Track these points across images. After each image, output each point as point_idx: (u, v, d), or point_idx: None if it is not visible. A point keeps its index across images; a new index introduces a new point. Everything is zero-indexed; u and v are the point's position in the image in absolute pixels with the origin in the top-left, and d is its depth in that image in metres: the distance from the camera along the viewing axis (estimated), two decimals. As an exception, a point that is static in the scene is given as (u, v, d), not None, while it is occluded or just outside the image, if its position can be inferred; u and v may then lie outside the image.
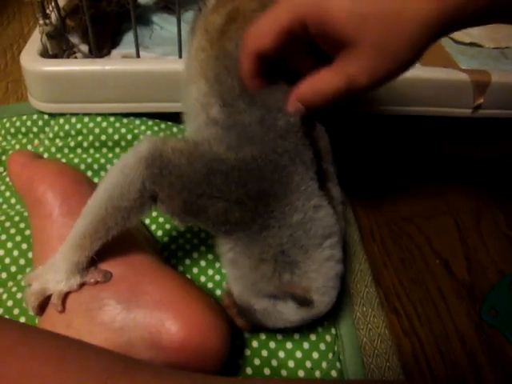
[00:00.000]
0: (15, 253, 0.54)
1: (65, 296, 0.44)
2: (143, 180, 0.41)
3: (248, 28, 0.41)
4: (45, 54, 0.66)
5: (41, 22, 0.63)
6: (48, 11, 0.64)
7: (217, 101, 0.46)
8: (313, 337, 0.50)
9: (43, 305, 0.44)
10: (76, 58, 0.69)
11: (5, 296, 0.51)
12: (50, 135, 0.67)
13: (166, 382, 0.31)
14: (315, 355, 0.49)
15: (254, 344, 0.49)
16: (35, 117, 0.70)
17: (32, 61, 0.64)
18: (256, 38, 0.40)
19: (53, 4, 0.64)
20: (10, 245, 0.54)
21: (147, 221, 0.58)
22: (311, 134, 0.45)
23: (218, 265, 0.55)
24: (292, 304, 0.43)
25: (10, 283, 0.52)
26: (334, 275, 0.44)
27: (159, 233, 0.58)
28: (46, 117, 0.70)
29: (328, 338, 0.51)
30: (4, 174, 0.64)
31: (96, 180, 0.60)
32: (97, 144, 0.65)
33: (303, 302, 0.43)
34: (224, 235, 0.45)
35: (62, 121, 0.67)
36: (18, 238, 0.55)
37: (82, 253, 0.43)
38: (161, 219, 0.58)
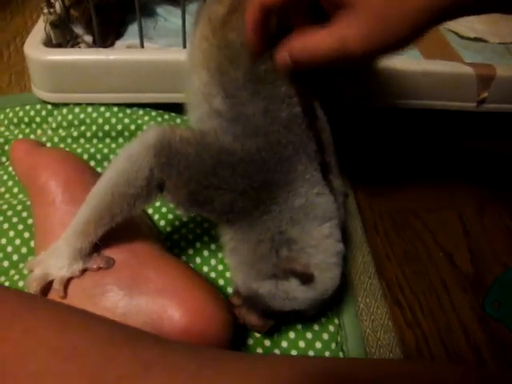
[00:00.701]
0: (17, 241, 0.53)
1: (67, 282, 0.44)
2: (151, 168, 0.41)
3: None
4: (48, 43, 0.66)
5: (45, 10, 0.63)
6: (52, 0, 0.64)
7: (219, 91, 0.46)
8: (316, 327, 0.50)
9: (45, 291, 0.44)
10: (80, 48, 0.69)
11: (7, 284, 0.50)
12: (53, 125, 0.67)
13: (167, 352, 0.31)
14: (318, 345, 0.49)
15: (257, 334, 0.49)
16: (38, 107, 0.70)
17: (36, 50, 0.63)
18: None
19: (57, -7, 0.63)
20: (12, 233, 0.54)
21: (150, 210, 0.58)
22: (314, 125, 0.46)
23: (220, 255, 0.55)
24: (295, 281, 0.43)
25: (12, 271, 0.52)
26: (335, 252, 0.45)
27: (162, 223, 0.57)
28: (49, 107, 0.70)
29: (331, 328, 0.50)
30: (7, 163, 0.64)
31: (99, 170, 0.60)
32: (100, 134, 0.65)
33: (304, 278, 0.43)
34: (226, 224, 0.45)
35: (65, 111, 0.67)
36: (21, 227, 0.54)
37: (86, 239, 0.43)
38: (164, 209, 0.58)
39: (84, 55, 0.63)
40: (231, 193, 0.42)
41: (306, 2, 0.41)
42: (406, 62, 0.67)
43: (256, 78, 0.45)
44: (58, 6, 0.65)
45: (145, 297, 0.42)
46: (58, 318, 0.31)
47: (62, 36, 0.66)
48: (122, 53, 0.65)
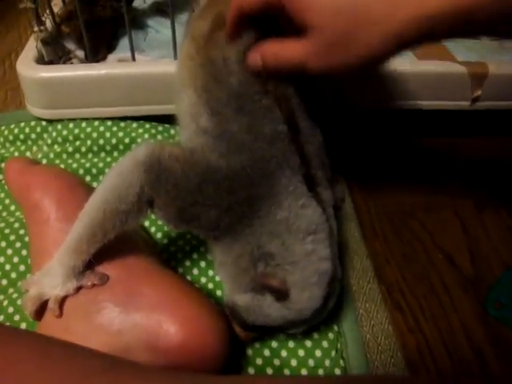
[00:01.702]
0: (15, 259, 0.54)
1: (62, 300, 0.44)
2: (142, 184, 0.42)
3: None
4: (41, 60, 0.67)
5: (36, 28, 0.63)
6: (43, 18, 0.64)
7: (205, 110, 0.46)
8: (315, 335, 0.50)
9: (42, 310, 0.44)
10: (72, 63, 0.70)
11: (5, 302, 0.51)
12: (49, 141, 0.67)
13: (148, 381, 0.31)
14: (318, 353, 0.49)
15: (256, 344, 0.49)
16: (33, 123, 0.70)
17: (28, 67, 0.64)
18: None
19: (47, 11, 0.64)
20: (9, 251, 0.54)
21: (147, 223, 0.58)
22: (297, 139, 0.46)
23: (217, 265, 0.55)
24: (269, 297, 0.43)
25: (11, 290, 0.52)
26: (314, 271, 0.43)
27: (159, 235, 0.58)
28: (43, 123, 0.70)
29: (330, 335, 0.50)
30: (3, 181, 0.65)
31: (95, 185, 0.60)
32: (95, 148, 0.65)
33: (279, 295, 0.42)
34: (213, 241, 0.46)
35: (59, 126, 0.67)
36: (18, 245, 0.55)
37: (79, 257, 0.43)
38: (160, 222, 0.58)
39: (76, 71, 0.64)
40: (216, 209, 0.43)
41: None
42: (399, 63, 0.67)
43: (238, 92, 0.45)
44: (48, 23, 0.66)
45: (140, 313, 0.42)
46: (37, 352, 0.31)
47: (54, 53, 0.67)
48: (113, 67, 0.65)
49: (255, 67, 0.44)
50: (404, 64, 0.68)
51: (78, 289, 0.44)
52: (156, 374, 0.33)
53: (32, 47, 0.67)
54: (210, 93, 0.46)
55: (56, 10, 0.68)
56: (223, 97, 0.45)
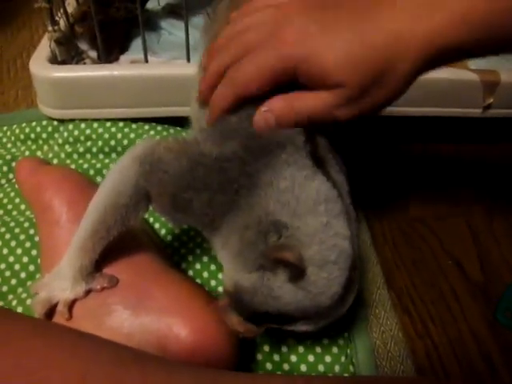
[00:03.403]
0: (25, 259, 0.54)
1: (72, 303, 0.44)
2: (137, 177, 0.42)
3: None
4: (54, 60, 0.67)
5: (49, 28, 0.63)
6: (57, 18, 0.65)
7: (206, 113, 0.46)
8: (325, 340, 0.50)
9: (51, 313, 0.44)
10: (85, 64, 0.70)
11: (14, 302, 0.51)
12: (60, 141, 0.67)
13: (173, 373, 0.31)
14: (328, 359, 0.49)
15: (266, 348, 0.49)
16: (45, 123, 0.70)
17: (41, 67, 0.64)
18: (238, 84, 0.41)
19: (61, 10, 0.64)
20: (19, 251, 0.54)
21: (151, 219, 0.59)
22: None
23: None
24: (282, 276, 0.38)
25: (20, 289, 0.52)
26: (333, 247, 0.38)
27: (163, 231, 0.58)
28: (55, 123, 0.70)
29: (340, 341, 0.50)
30: (14, 180, 0.65)
31: (105, 185, 0.60)
32: (106, 149, 0.65)
33: (294, 272, 0.37)
34: (211, 230, 0.43)
35: (71, 127, 0.67)
36: (28, 245, 0.55)
37: (86, 255, 0.43)
38: (164, 218, 0.58)
39: (89, 71, 0.64)
40: (208, 191, 0.40)
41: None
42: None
43: None
44: (62, 23, 0.66)
45: (150, 316, 0.42)
46: (68, 343, 0.31)
47: (67, 52, 0.67)
48: (126, 68, 0.66)
49: (266, 125, 0.41)
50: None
51: (88, 292, 0.44)
52: (178, 366, 0.33)
53: (45, 47, 0.67)
54: None
55: (70, 10, 0.68)
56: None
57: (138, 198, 0.42)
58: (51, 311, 0.44)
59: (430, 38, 0.37)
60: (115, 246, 0.46)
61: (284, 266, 0.37)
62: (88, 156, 0.66)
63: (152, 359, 0.33)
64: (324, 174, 0.41)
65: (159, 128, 0.68)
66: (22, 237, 0.55)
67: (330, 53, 0.38)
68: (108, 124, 0.67)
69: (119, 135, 0.66)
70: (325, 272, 0.37)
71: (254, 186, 0.40)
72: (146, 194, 0.42)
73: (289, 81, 0.40)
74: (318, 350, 0.49)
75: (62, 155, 0.65)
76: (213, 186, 0.40)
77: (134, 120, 0.68)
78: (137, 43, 0.74)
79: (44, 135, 0.70)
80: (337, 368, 0.48)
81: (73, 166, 0.64)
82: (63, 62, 0.68)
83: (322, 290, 0.38)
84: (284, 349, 0.49)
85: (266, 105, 0.41)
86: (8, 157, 0.67)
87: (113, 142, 0.66)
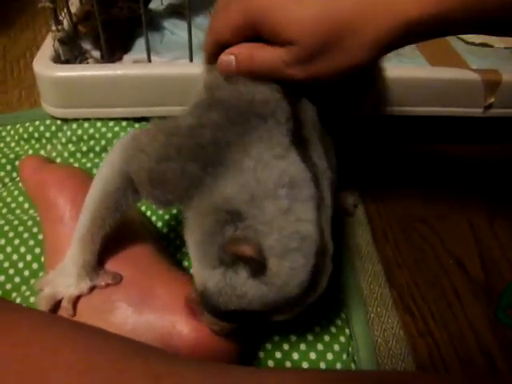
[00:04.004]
0: (28, 257, 0.54)
1: (76, 299, 0.44)
2: (120, 164, 0.42)
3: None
4: (57, 59, 0.67)
5: (53, 28, 0.64)
6: (60, 17, 0.65)
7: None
8: (326, 338, 0.50)
9: (55, 309, 0.45)
10: (88, 63, 0.70)
11: (18, 300, 0.51)
12: (63, 140, 0.68)
13: (176, 366, 0.32)
14: (329, 356, 0.49)
15: (268, 346, 0.49)
16: (48, 122, 0.71)
17: (45, 66, 0.65)
18: (215, 32, 0.43)
19: (65, 10, 0.64)
20: (23, 249, 0.55)
21: (148, 213, 0.60)
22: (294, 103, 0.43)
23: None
24: (243, 273, 0.35)
25: (24, 287, 0.53)
26: (294, 233, 0.35)
27: (159, 224, 0.59)
28: (58, 122, 0.70)
29: (342, 338, 0.50)
30: (17, 179, 0.65)
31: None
32: (109, 148, 0.66)
33: (255, 266, 0.35)
34: (186, 205, 0.41)
35: (74, 126, 0.68)
36: (31, 243, 0.55)
37: (86, 248, 0.44)
38: (160, 211, 0.60)
39: (92, 71, 0.64)
40: (179, 160, 0.39)
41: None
42: (412, 69, 0.67)
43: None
44: (65, 22, 0.66)
45: (153, 313, 0.42)
46: (74, 335, 0.32)
47: (71, 52, 0.67)
48: (129, 68, 0.66)
49: (228, 68, 0.42)
50: (417, 71, 0.68)
51: (92, 288, 0.44)
52: (184, 360, 0.34)
53: (49, 46, 0.67)
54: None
55: (73, 9, 0.69)
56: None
57: (124, 184, 0.43)
58: (56, 307, 0.45)
59: (403, 12, 0.35)
60: (118, 244, 0.47)
61: (243, 262, 0.35)
62: (91, 155, 0.66)
63: (156, 351, 0.34)
64: (300, 154, 0.39)
65: (162, 127, 0.68)
66: (26, 235, 0.56)
67: (286, 9, 0.37)
68: (111, 123, 0.67)
69: (122, 134, 0.66)
70: (287, 261, 0.35)
71: (220, 163, 0.38)
72: (131, 178, 0.42)
73: (254, 34, 0.40)
74: (320, 347, 0.49)
75: (66, 154, 0.66)
76: (184, 154, 0.39)
77: (137, 119, 0.68)
78: (140, 43, 0.74)
79: (47, 134, 0.70)
80: (338, 365, 0.48)
81: (76, 165, 0.64)
82: (67, 62, 0.68)
83: (287, 280, 0.35)
84: (286, 346, 0.49)
85: (230, 49, 0.42)
86: (11, 156, 0.68)
87: (116, 141, 0.66)
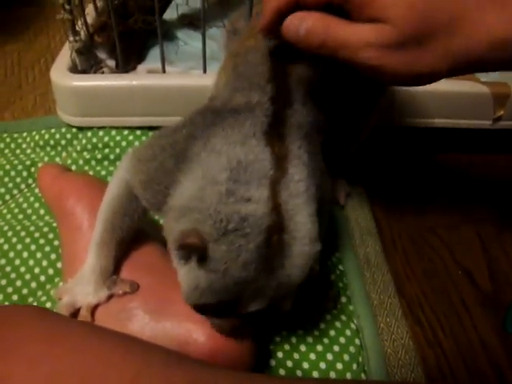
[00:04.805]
0: (44, 263, 0.55)
1: (94, 308, 0.45)
2: (123, 171, 0.46)
3: None
4: (74, 69, 0.69)
5: (71, 38, 0.65)
6: (77, 28, 0.66)
7: None
8: (336, 348, 0.51)
9: (74, 317, 0.46)
10: (103, 72, 0.72)
11: (34, 305, 0.52)
12: (78, 148, 0.69)
13: (215, 374, 0.32)
14: (339, 366, 0.49)
15: (279, 355, 0.50)
16: (64, 130, 0.72)
17: (62, 76, 0.66)
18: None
19: (82, 21, 0.66)
20: (39, 255, 0.56)
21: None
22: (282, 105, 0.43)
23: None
24: (194, 264, 0.36)
25: (40, 292, 0.54)
26: (232, 214, 0.35)
27: None
28: (74, 130, 0.72)
29: (352, 348, 0.51)
30: (33, 185, 0.66)
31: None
32: (123, 156, 0.67)
33: (199, 255, 0.35)
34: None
35: (89, 134, 0.69)
36: (47, 249, 0.56)
37: (102, 254, 0.46)
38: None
39: (108, 81, 0.66)
40: (161, 158, 0.42)
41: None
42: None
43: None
44: (82, 33, 0.68)
45: (170, 321, 0.43)
46: (121, 345, 0.33)
47: (87, 62, 0.69)
48: (144, 78, 0.67)
49: (294, 33, 0.37)
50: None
51: (110, 297, 0.45)
52: (217, 368, 0.35)
53: (65, 56, 0.69)
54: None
55: (89, 20, 0.70)
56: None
57: (127, 191, 0.46)
58: (74, 315, 0.46)
59: (498, 27, 0.33)
60: (134, 253, 0.48)
61: (190, 253, 0.36)
62: (106, 163, 0.67)
63: (195, 361, 0.35)
64: (269, 143, 0.38)
65: (175, 136, 0.69)
66: (42, 241, 0.57)
67: None
68: (126, 132, 0.68)
69: (136, 143, 0.67)
70: (223, 244, 0.35)
71: (188, 159, 0.39)
72: (131, 185, 0.45)
73: (337, 3, 0.36)
74: (330, 357, 0.50)
75: (81, 162, 0.67)
76: (166, 151, 0.42)
77: (151, 128, 0.69)
78: (153, 53, 0.75)
79: (63, 142, 0.72)
80: (348, 375, 0.49)
81: (91, 173, 0.66)
82: (83, 71, 0.69)
83: (229, 263, 0.35)
84: (296, 356, 0.50)
85: (304, 13, 0.37)
86: (27, 162, 0.69)
87: (130, 150, 0.67)
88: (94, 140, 0.68)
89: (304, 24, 0.36)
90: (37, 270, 0.55)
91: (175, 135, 0.43)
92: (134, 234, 0.48)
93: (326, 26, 0.36)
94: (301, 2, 0.37)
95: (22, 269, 0.55)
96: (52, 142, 0.72)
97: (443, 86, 0.68)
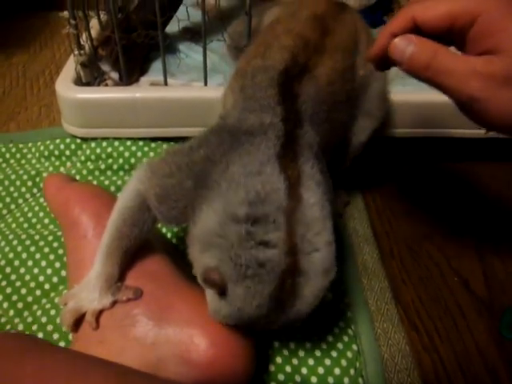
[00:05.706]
0: (48, 271, 0.56)
1: (99, 313, 0.46)
2: (136, 182, 0.47)
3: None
4: (78, 82, 0.70)
5: (76, 52, 0.67)
6: (82, 42, 0.68)
7: None
8: (334, 353, 0.52)
9: (78, 322, 0.47)
10: (107, 84, 0.73)
11: (39, 312, 0.53)
12: (82, 158, 0.70)
13: None
14: (337, 371, 0.50)
15: (278, 360, 0.51)
16: (68, 140, 0.74)
17: (67, 89, 0.68)
18: (422, 12, 0.36)
19: (86, 35, 0.67)
20: (43, 263, 0.57)
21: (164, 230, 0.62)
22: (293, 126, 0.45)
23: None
24: (210, 291, 0.41)
25: (44, 300, 0.55)
26: (251, 259, 0.37)
27: (174, 241, 0.62)
28: (78, 141, 0.73)
29: (349, 354, 0.52)
30: (38, 194, 0.68)
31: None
32: (126, 167, 0.69)
33: (219, 290, 0.39)
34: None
35: (93, 145, 0.71)
36: (52, 257, 0.57)
37: (109, 262, 0.47)
38: (175, 229, 0.63)
39: (112, 93, 0.67)
40: (179, 177, 0.44)
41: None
42: (419, 94, 0.70)
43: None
44: (87, 46, 0.69)
45: (173, 327, 0.44)
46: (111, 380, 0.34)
47: (91, 74, 0.70)
48: (146, 90, 0.69)
49: (399, 54, 0.36)
50: (424, 94, 0.70)
51: (114, 303, 0.46)
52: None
53: (70, 68, 0.70)
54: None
55: (93, 33, 0.71)
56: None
57: (139, 202, 0.47)
58: (79, 320, 0.47)
59: None
60: (139, 260, 0.49)
61: (211, 287, 0.39)
62: (109, 173, 0.69)
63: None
64: (282, 165, 0.40)
65: (177, 147, 0.71)
66: (47, 250, 0.58)
67: (506, 16, 0.32)
68: (128, 143, 0.70)
69: (139, 153, 0.69)
70: (241, 287, 0.38)
71: (206, 186, 0.41)
72: (144, 196, 0.46)
73: (447, 30, 0.35)
74: (328, 362, 0.51)
75: (84, 172, 0.68)
76: (183, 171, 0.44)
77: (154, 139, 0.71)
78: (156, 65, 0.77)
79: (67, 152, 0.73)
80: (346, 380, 0.50)
81: (94, 182, 0.67)
82: (87, 84, 0.71)
83: (244, 303, 0.38)
84: (295, 361, 0.51)
85: (412, 37, 0.36)
86: (33, 172, 0.70)
87: (133, 160, 0.69)
88: (98, 150, 0.70)
89: (412, 45, 0.36)
90: (41, 278, 0.56)
91: (192, 155, 0.44)
92: (142, 243, 0.49)
93: (434, 50, 0.35)
94: (419, 22, 0.36)
95: (27, 277, 0.56)
96: (57, 153, 0.73)
97: (437, 96, 0.69)
